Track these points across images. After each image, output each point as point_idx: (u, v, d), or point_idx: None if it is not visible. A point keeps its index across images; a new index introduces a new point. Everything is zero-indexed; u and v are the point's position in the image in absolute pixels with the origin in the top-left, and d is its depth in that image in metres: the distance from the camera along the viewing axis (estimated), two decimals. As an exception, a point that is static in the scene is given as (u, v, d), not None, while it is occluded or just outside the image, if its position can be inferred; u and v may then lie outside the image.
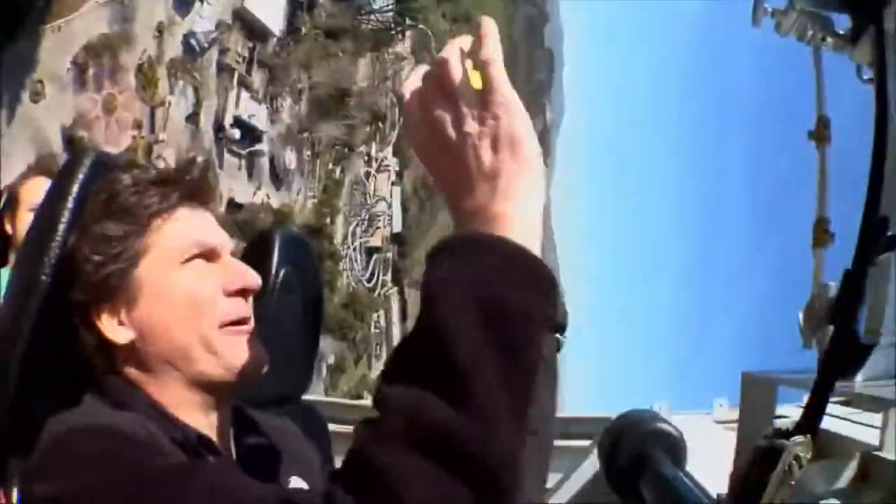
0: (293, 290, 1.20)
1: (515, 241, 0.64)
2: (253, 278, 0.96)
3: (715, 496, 1.31)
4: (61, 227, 0.95)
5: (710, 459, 1.48)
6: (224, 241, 0.98)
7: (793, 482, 0.94)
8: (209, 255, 0.96)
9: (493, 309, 0.60)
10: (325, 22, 31.61)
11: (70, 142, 16.71)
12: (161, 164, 1.06)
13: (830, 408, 1.16)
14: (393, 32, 38.82)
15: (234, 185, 25.03)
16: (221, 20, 23.09)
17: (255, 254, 1.08)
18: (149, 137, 19.57)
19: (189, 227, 0.96)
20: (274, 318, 1.17)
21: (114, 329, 0.92)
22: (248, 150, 25.95)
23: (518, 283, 0.62)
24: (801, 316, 1.62)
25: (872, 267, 1.09)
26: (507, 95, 0.68)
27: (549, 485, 2.49)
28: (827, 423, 1.39)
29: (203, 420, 0.94)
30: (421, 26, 40.90)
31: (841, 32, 1.92)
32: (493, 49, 0.69)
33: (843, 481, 1.41)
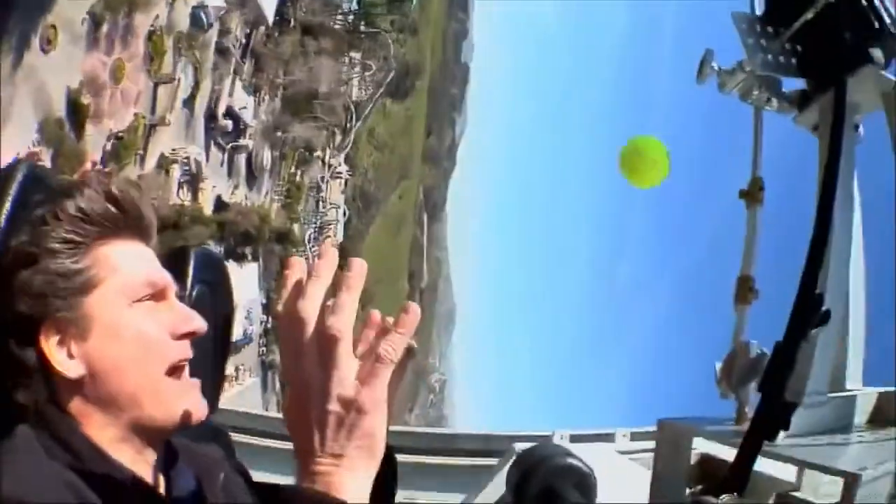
0: (205, 309, 1.16)
1: None
2: (200, 323, 0.99)
3: None
4: None
5: (613, 492, 1.57)
6: (170, 282, 0.99)
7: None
8: (158, 295, 0.96)
9: None
10: (304, 17, 30.13)
11: (75, 107, 14.62)
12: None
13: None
14: (361, 36, 37.80)
15: (217, 181, 23.04)
16: (230, -1, 21.27)
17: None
18: (150, 118, 17.52)
19: (138, 264, 0.95)
20: None
21: (63, 361, 0.90)
22: (231, 145, 24.03)
23: None
24: (717, 367, 1.66)
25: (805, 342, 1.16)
26: (380, 394, 0.76)
27: (452, 504, 2.82)
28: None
29: (138, 458, 0.93)
30: (387, 34, 39.99)
31: (788, 94, 1.94)
32: (398, 346, 0.77)
33: (759, 521, 1.50)
